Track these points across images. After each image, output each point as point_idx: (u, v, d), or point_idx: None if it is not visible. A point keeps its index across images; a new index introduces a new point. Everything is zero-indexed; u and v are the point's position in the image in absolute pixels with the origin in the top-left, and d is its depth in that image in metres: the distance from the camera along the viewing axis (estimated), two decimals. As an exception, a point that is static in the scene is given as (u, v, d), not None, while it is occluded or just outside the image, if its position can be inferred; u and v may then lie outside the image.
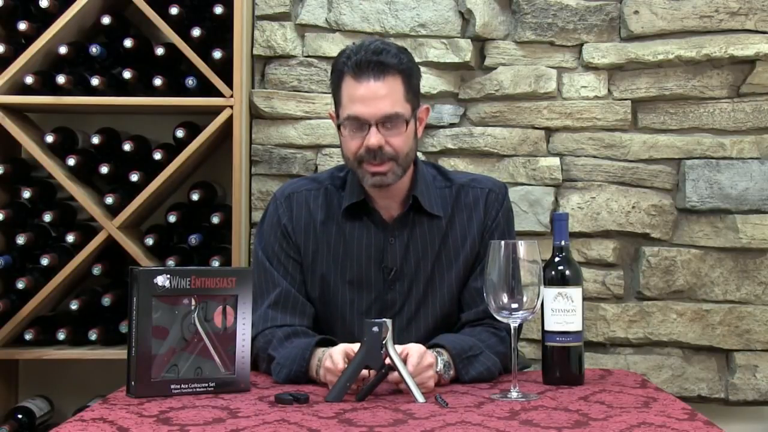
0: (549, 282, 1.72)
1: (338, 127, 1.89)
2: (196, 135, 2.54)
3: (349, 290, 1.95)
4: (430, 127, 2.68)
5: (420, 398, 1.56)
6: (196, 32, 2.51)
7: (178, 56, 2.55)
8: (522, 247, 1.59)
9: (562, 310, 1.73)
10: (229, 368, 1.67)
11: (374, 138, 1.82)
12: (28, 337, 2.53)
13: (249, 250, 2.60)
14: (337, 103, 1.90)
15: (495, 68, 2.69)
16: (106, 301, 2.49)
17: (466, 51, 2.68)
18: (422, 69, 2.55)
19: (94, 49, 2.54)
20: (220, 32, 2.58)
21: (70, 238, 2.53)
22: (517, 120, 2.69)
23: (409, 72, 1.87)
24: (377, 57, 1.82)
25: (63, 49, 2.53)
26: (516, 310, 1.59)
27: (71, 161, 2.52)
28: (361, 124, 1.83)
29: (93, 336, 2.49)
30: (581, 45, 2.70)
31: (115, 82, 2.57)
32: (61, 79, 2.50)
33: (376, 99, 1.81)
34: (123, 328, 2.50)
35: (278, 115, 2.70)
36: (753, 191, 2.65)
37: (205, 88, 2.54)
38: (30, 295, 2.52)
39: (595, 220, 2.66)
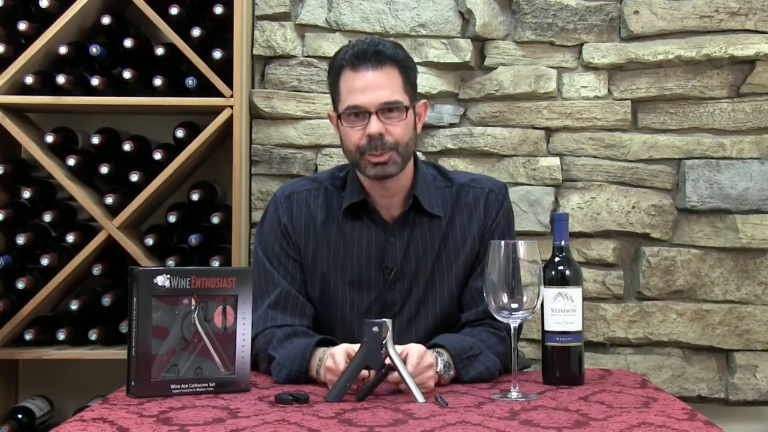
0: (549, 282, 1.72)
1: (338, 119, 1.89)
2: (196, 135, 2.54)
3: (349, 290, 1.95)
4: (430, 127, 2.68)
5: (420, 398, 1.56)
6: (196, 32, 2.51)
7: (178, 56, 2.55)
8: (522, 247, 1.59)
9: (562, 310, 1.73)
10: (229, 368, 1.67)
11: (375, 125, 1.83)
12: (28, 337, 2.53)
13: (249, 250, 2.60)
14: (336, 99, 1.90)
15: (495, 68, 2.69)
16: (106, 301, 2.49)
17: (466, 51, 2.68)
18: (422, 69, 2.58)
19: (94, 49, 2.54)
20: (220, 32, 2.58)
21: (70, 238, 2.53)
22: (517, 120, 2.69)
23: (405, 64, 1.89)
24: (374, 48, 1.86)
25: (63, 49, 2.53)
26: (516, 310, 1.59)
27: (71, 161, 2.52)
28: (361, 113, 1.84)
29: (93, 336, 2.49)
30: (581, 45, 2.69)
31: (115, 82, 2.57)
32: (61, 79, 2.50)
33: (375, 88, 1.83)
34: (123, 328, 2.50)
35: (278, 115, 2.69)
36: (753, 191, 2.65)
37: (205, 88, 2.54)
38: (30, 295, 2.52)
39: (595, 220, 2.66)
